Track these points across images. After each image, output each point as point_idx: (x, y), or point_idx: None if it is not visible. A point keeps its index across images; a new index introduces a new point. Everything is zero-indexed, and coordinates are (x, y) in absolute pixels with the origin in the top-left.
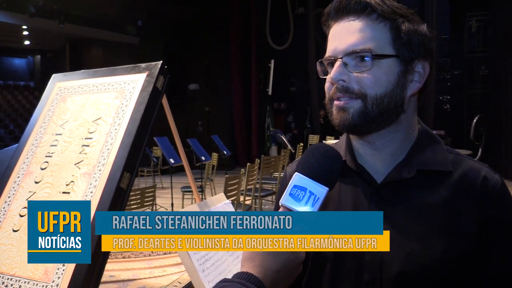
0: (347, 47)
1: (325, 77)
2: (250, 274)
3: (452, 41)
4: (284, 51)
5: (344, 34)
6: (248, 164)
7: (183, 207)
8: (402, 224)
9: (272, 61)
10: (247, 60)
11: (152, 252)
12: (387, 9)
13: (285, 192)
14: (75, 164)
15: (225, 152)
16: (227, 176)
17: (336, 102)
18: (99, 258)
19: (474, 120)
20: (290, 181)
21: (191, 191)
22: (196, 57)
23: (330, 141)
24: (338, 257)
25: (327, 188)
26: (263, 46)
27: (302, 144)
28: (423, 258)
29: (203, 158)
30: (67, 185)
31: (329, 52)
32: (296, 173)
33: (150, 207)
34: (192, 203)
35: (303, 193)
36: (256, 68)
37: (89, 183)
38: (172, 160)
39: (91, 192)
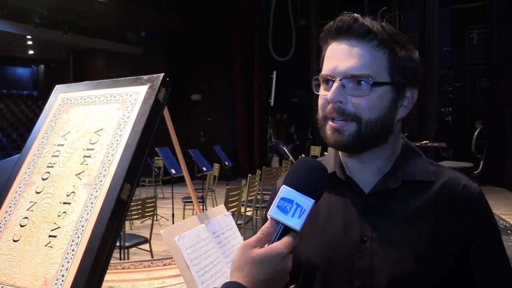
0: (347, 70)
1: (318, 93)
2: (238, 284)
3: (453, 54)
4: (286, 63)
5: (344, 56)
6: (249, 175)
7: (183, 218)
8: (390, 231)
9: (274, 72)
10: (249, 71)
11: (151, 263)
12: (387, 37)
13: (272, 204)
14: (76, 175)
15: (226, 163)
16: (228, 187)
17: (331, 123)
18: (99, 269)
19: (475, 133)
20: (278, 194)
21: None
22: (199, 67)
23: None
24: (329, 264)
25: (313, 200)
26: (265, 58)
27: (303, 156)
28: (412, 263)
29: (204, 168)
30: (67, 195)
31: (327, 70)
32: (283, 185)
33: (151, 218)
34: (193, 214)
35: (290, 205)
36: (259, 79)
37: (89, 194)
38: (173, 171)
39: (92, 203)
